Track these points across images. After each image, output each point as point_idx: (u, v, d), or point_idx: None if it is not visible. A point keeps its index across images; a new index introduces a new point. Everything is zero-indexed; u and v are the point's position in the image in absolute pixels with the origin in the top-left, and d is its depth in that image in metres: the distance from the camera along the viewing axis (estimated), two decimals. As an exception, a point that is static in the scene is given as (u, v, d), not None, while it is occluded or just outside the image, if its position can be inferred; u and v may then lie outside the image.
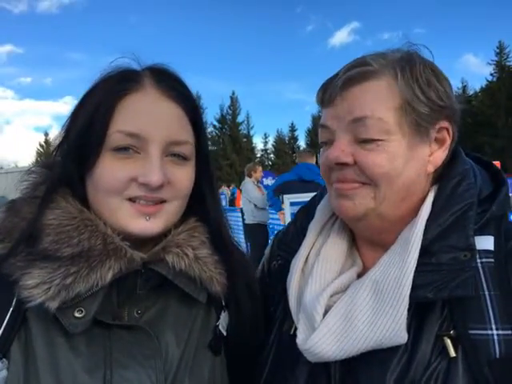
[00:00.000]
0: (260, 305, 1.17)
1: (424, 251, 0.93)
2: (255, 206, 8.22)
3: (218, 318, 1.09)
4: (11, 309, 0.87)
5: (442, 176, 1.02)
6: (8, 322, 0.86)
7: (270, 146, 71.45)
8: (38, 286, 0.84)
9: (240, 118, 67.10)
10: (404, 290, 0.89)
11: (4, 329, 0.85)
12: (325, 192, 1.23)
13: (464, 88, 58.60)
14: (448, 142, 1.01)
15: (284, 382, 1.05)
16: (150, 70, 1.01)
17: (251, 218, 8.32)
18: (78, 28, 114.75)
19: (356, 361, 0.93)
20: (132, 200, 0.94)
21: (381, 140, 0.94)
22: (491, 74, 55.47)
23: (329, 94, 1.00)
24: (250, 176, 8.76)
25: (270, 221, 8.16)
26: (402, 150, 0.95)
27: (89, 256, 0.89)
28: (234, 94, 67.42)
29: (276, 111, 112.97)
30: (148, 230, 0.95)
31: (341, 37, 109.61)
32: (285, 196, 5.97)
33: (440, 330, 0.90)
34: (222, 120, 66.12)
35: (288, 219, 5.55)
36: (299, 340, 0.97)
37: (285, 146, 69.79)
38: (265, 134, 72.07)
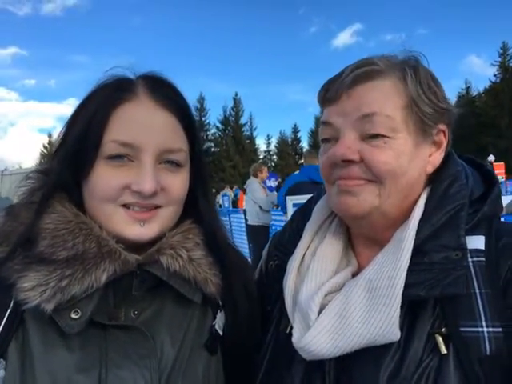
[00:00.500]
0: (257, 305, 1.18)
1: (417, 250, 0.94)
2: (260, 207, 8.10)
3: (215, 318, 1.10)
4: (9, 310, 0.89)
5: (434, 178, 1.04)
6: (5, 323, 0.88)
7: (272, 147, 71.49)
8: (34, 288, 0.86)
9: (243, 120, 67.25)
10: (397, 289, 0.91)
11: (1, 330, 0.87)
12: (322, 194, 1.24)
13: (467, 89, 58.58)
14: (444, 144, 1.04)
15: (280, 380, 1.06)
16: (144, 79, 1.03)
17: (256, 219, 8.20)
18: (81, 30, 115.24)
19: (350, 358, 0.94)
20: (126, 206, 0.96)
21: (388, 137, 0.95)
22: (495, 75, 55.49)
23: (334, 91, 1.01)
24: (255, 176, 8.56)
25: (273, 222, 8.12)
26: (408, 148, 0.96)
27: (84, 259, 0.91)
28: (236, 95, 67.62)
29: (279, 112, 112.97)
30: (143, 235, 0.97)
31: (344, 38, 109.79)
32: (287, 197, 5.90)
33: (432, 327, 0.91)
34: (225, 121, 66.18)
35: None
36: (294, 338, 0.98)
37: (288, 148, 69.70)
38: (268, 136, 72.07)
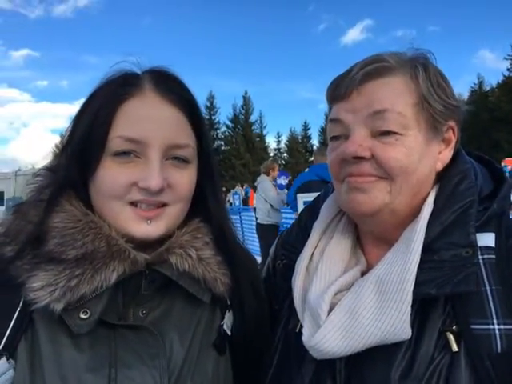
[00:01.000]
0: (265, 304, 1.17)
1: (426, 248, 0.94)
2: (271, 206, 7.96)
3: (223, 318, 1.10)
4: (18, 310, 0.88)
5: (443, 175, 1.03)
6: (15, 323, 0.88)
7: (282, 145, 71.59)
8: (43, 288, 0.86)
9: (253, 118, 67.48)
10: (407, 287, 0.90)
11: (11, 329, 0.87)
12: (329, 192, 1.24)
13: (480, 83, 57.83)
14: (454, 141, 1.03)
15: (290, 379, 1.06)
16: (150, 74, 1.02)
17: (266, 218, 8.07)
18: (92, 31, 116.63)
19: (361, 357, 0.94)
20: (134, 204, 0.95)
21: (399, 134, 0.95)
22: (508, 69, 54.59)
23: (344, 88, 1.00)
24: (267, 174, 8.28)
25: (283, 220, 8.06)
26: (419, 145, 0.96)
27: (93, 258, 0.90)
28: (246, 93, 67.82)
29: (289, 110, 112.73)
30: (150, 233, 0.96)
31: (353, 35, 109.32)
32: (298, 195, 5.84)
33: (443, 325, 0.91)
34: (235, 120, 66.35)
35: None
36: (305, 337, 0.98)
37: (298, 145, 69.64)
38: (278, 133, 72.20)
